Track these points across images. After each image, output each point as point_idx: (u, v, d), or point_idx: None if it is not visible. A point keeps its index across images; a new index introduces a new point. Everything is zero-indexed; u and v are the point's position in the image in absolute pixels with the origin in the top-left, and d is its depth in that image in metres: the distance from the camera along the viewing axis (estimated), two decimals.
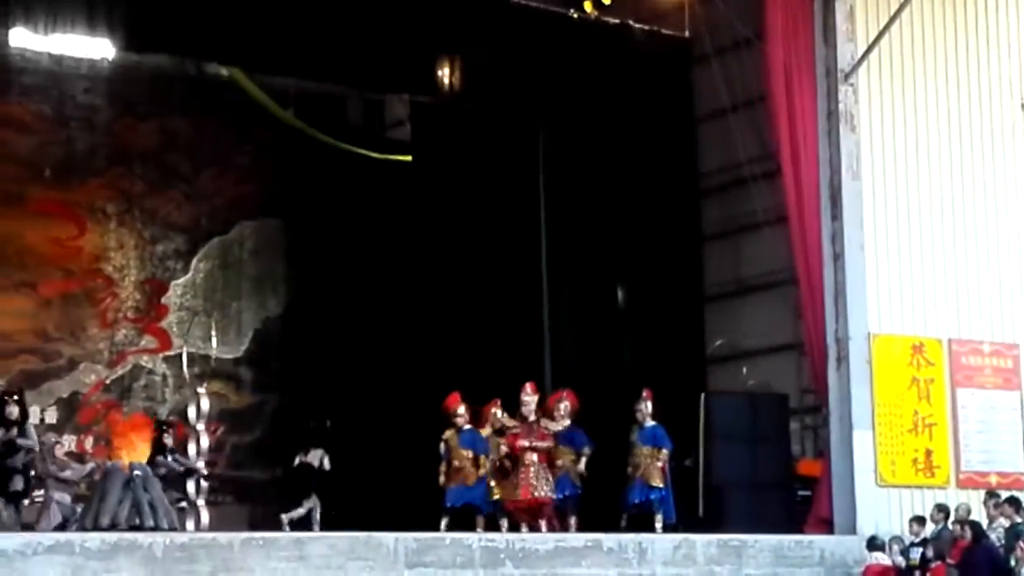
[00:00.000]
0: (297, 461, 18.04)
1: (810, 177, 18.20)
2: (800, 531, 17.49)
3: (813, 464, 18.64)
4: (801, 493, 18.34)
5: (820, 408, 18.35)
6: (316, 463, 17.97)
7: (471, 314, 20.93)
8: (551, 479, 17.09)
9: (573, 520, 17.33)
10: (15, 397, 15.64)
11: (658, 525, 17.18)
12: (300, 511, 17.76)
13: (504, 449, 17.24)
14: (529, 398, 17.32)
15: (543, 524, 16.93)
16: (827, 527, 17.46)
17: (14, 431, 15.22)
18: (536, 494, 16.97)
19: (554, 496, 17.04)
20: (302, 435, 18.46)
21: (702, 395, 18.55)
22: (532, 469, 17.02)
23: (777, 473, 18.28)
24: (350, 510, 20.45)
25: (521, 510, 17.05)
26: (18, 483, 15.23)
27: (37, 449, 15.45)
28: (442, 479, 17.15)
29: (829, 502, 17.56)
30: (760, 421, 18.36)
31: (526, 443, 17.10)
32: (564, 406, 17.62)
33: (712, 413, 18.19)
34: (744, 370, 20.08)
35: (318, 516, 17.78)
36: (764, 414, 18.49)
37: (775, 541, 16.65)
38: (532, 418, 17.28)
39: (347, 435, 21.77)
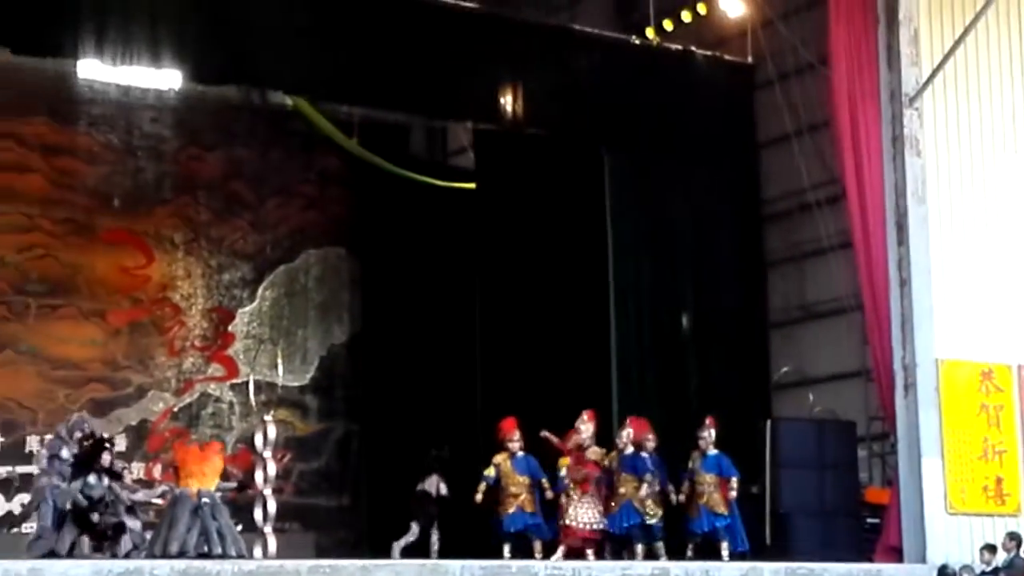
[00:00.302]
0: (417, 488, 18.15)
1: (875, 202, 18.10)
2: (869, 559, 17.37)
3: (881, 492, 18.51)
4: (870, 521, 18.20)
5: (888, 435, 18.22)
6: (433, 491, 18.03)
7: (538, 341, 20.92)
8: (596, 508, 17.02)
9: (640, 548, 17.28)
10: (113, 447, 15.96)
11: (724, 553, 17.11)
12: (410, 537, 17.83)
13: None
14: (584, 426, 17.34)
15: (559, 551, 16.88)
16: (896, 555, 17.31)
17: (105, 480, 15.40)
18: (569, 523, 16.97)
19: (595, 526, 16.97)
20: (422, 462, 18.56)
21: (768, 422, 18.47)
22: (575, 497, 17.02)
23: (845, 501, 18.16)
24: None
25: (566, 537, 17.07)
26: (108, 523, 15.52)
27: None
28: (479, 498, 17.15)
29: (898, 530, 17.40)
30: (827, 448, 18.24)
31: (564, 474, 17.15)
32: (626, 434, 17.62)
33: (778, 440, 18.11)
34: (811, 397, 19.97)
35: (437, 544, 17.82)
36: (831, 441, 18.37)
37: (844, 569, 16.53)
38: (585, 446, 17.28)
39: (413, 462, 21.94)
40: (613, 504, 17.27)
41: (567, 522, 17.00)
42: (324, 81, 18.81)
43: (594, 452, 17.28)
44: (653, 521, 17.26)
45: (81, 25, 16.74)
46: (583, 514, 16.98)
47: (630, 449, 17.52)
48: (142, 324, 21.42)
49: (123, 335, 21.24)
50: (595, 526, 17.00)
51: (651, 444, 17.49)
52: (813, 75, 19.57)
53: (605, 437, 17.70)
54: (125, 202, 21.48)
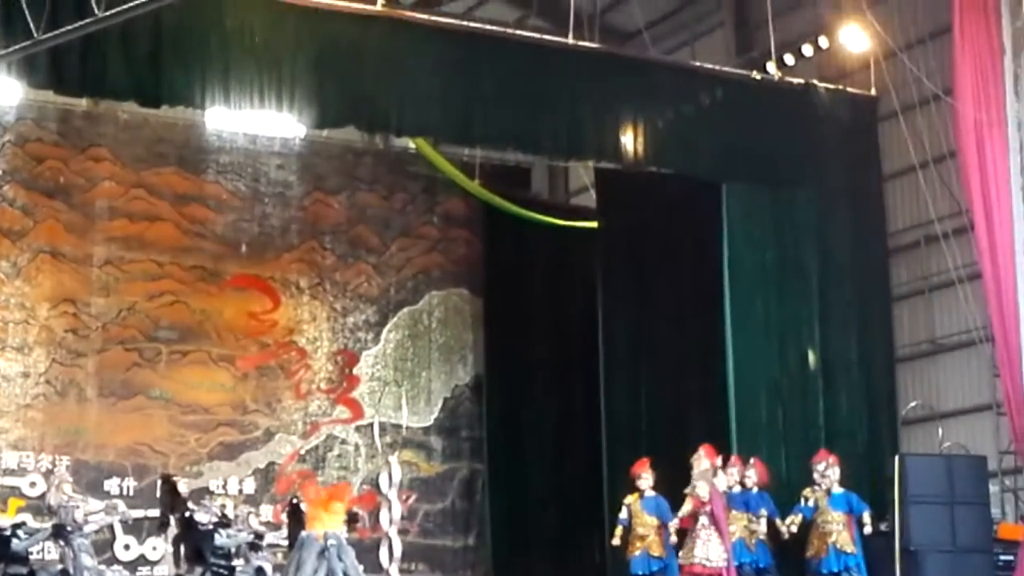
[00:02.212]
0: None
1: (1004, 233, 17.76)
2: None
3: (1015, 528, 18.08)
4: (1003, 558, 17.78)
5: (1021, 470, 17.84)
6: None
7: (663, 378, 20.87)
8: (708, 545, 16.80)
9: None
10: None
11: None
12: None
13: None
14: (697, 461, 17.19)
15: None
16: None
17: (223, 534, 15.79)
18: (680, 561, 16.83)
19: (706, 563, 16.75)
20: None
21: (896, 457, 18.19)
22: (689, 534, 16.88)
23: (977, 537, 17.76)
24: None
25: None
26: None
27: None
28: (616, 541, 17.17)
29: None
30: (958, 484, 17.85)
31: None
32: (733, 471, 17.56)
33: (907, 475, 17.77)
34: (940, 432, 19.64)
35: None
36: (962, 476, 17.98)
37: None
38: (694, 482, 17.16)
39: (537, 501, 21.96)
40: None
41: (679, 561, 16.87)
42: (446, 124, 18.89)
43: (690, 487, 17.08)
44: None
45: (207, 76, 16.99)
46: (692, 551, 16.80)
47: (738, 487, 17.46)
48: (269, 368, 21.70)
49: (251, 379, 21.53)
50: (699, 562, 16.78)
51: (750, 481, 17.49)
52: (938, 106, 19.31)
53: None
54: (252, 248, 21.83)
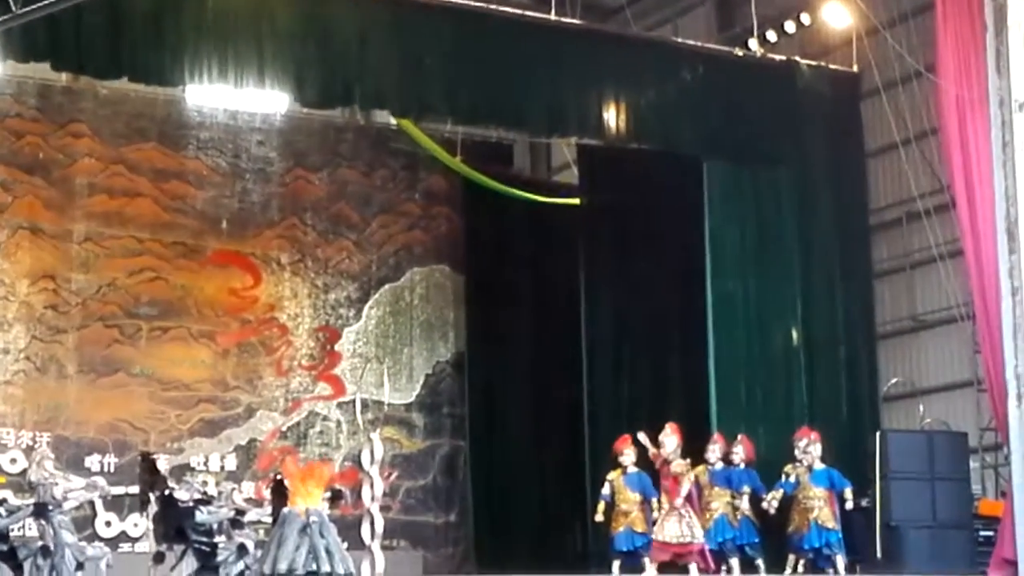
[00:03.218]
0: None
1: (986, 210, 17.77)
2: (983, 573, 17.08)
3: (995, 504, 18.18)
4: (983, 534, 17.89)
5: (1001, 446, 17.90)
6: None
7: (645, 355, 20.93)
8: (687, 522, 16.82)
9: (735, 562, 17.19)
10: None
11: (840, 566, 16.98)
12: None
13: None
14: (667, 439, 17.22)
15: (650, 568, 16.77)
16: (1011, 568, 16.94)
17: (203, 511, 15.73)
18: (656, 537, 16.85)
19: (683, 539, 16.79)
20: None
21: (877, 433, 18.26)
22: (664, 511, 16.90)
23: (957, 513, 17.88)
24: (520, 553, 20.62)
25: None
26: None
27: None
28: (599, 517, 17.19)
29: (1013, 543, 17.05)
30: (938, 460, 17.97)
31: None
32: (715, 448, 17.60)
33: (888, 452, 17.88)
34: (921, 408, 19.70)
35: None
36: (942, 453, 18.10)
37: None
38: (670, 459, 17.16)
39: (518, 478, 21.99)
40: (707, 518, 17.19)
41: (655, 537, 16.89)
42: (428, 100, 18.86)
43: (678, 465, 17.09)
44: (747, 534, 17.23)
45: (189, 52, 16.94)
46: (671, 528, 16.84)
47: (719, 464, 17.49)
48: (250, 344, 21.66)
49: (232, 356, 21.49)
50: (683, 540, 16.80)
51: (737, 457, 17.50)
52: (920, 83, 19.34)
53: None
54: (233, 224, 21.74)
